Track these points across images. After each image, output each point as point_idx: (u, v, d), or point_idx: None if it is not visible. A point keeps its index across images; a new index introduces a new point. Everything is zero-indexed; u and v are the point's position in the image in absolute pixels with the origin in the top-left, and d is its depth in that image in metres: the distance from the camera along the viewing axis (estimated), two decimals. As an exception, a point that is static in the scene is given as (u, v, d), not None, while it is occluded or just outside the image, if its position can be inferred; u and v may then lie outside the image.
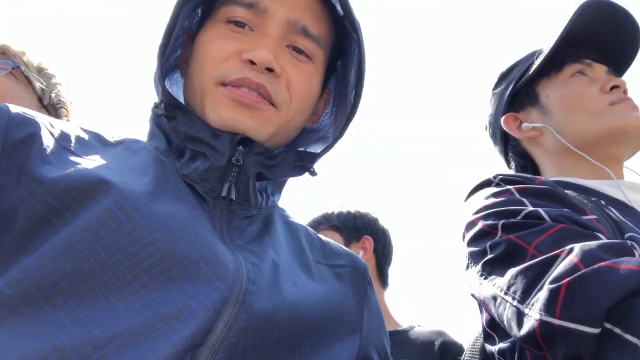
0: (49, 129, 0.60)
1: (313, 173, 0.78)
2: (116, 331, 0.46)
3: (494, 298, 0.67)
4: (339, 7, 0.75)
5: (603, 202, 0.86)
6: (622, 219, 0.81)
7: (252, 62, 0.66)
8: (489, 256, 0.72)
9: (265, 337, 0.54)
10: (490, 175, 0.88)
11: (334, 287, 0.70)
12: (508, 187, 0.81)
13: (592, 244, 0.59)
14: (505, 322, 0.65)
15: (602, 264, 0.53)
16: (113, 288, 0.49)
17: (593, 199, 0.87)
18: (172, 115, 0.68)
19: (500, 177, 0.86)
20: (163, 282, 0.51)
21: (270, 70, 0.67)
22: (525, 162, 1.11)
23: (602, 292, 0.51)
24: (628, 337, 0.49)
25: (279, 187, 0.80)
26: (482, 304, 0.74)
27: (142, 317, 0.48)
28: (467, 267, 0.80)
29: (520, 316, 0.60)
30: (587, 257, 0.57)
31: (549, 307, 0.55)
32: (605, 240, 0.60)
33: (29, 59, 1.15)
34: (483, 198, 0.82)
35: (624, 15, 0.99)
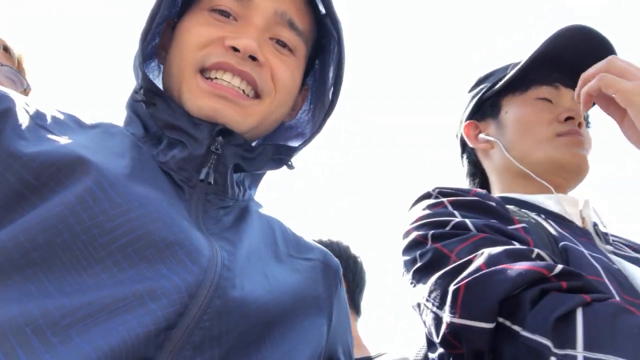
0: (24, 107, 0.59)
1: (291, 167, 0.79)
2: (85, 301, 0.46)
3: (419, 306, 0.70)
4: (321, 6, 0.76)
5: (543, 216, 0.90)
6: (560, 230, 0.84)
7: (235, 50, 0.66)
8: (418, 264, 0.75)
9: (238, 323, 0.54)
10: (430, 188, 0.91)
11: (305, 278, 0.70)
12: (443, 199, 0.85)
13: (499, 249, 0.62)
14: (427, 328, 0.68)
15: (500, 266, 0.57)
16: (86, 264, 0.49)
17: (533, 213, 0.91)
18: (151, 101, 0.66)
19: (438, 190, 0.89)
20: (137, 262, 0.50)
21: (253, 59, 0.67)
22: (476, 170, 1.14)
23: (494, 289, 0.55)
24: (515, 327, 0.52)
25: (255, 181, 0.81)
26: (414, 311, 0.77)
27: (113, 291, 0.47)
28: (403, 275, 0.83)
29: (438, 321, 0.63)
30: (490, 261, 0.60)
31: (452, 307, 0.58)
32: (511, 247, 0.64)
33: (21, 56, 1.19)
34: (420, 210, 0.86)
35: (603, 44, 0.96)
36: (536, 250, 0.63)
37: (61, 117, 0.63)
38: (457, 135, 1.19)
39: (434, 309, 0.65)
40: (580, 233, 0.87)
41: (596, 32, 0.96)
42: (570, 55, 0.97)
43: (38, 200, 0.51)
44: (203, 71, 0.67)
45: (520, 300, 0.53)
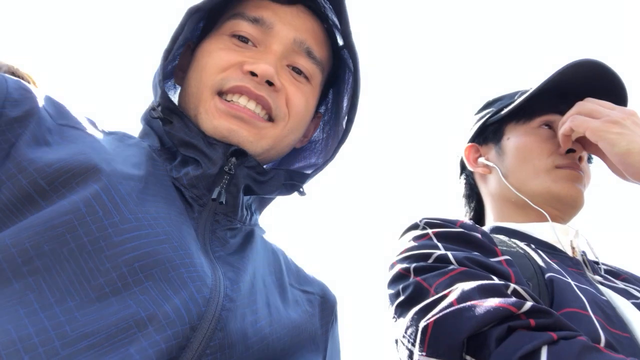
0: (47, 108, 0.59)
1: (302, 193, 0.79)
2: (88, 330, 0.44)
3: (396, 342, 0.70)
4: (339, 38, 0.79)
5: (533, 246, 0.89)
6: (549, 260, 0.83)
7: (253, 74, 0.68)
8: (400, 298, 0.75)
9: (241, 356, 0.54)
10: (418, 219, 0.91)
11: (304, 312, 0.71)
12: (428, 231, 0.85)
13: (473, 284, 0.62)
14: None
15: (470, 302, 0.57)
16: (90, 276, 0.47)
17: (523, 243, 0.90)
18: (168, 119, 0.67)
19: (425, 221, 0.89)
20: (142, 279, 0.49)
21: (270, 84, 0.69)
22: (471, 193, 1.14)
23: (460, 326, 0.54)
24: None
25: (261, 206, 0.81)
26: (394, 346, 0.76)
27: (117, 317, 0.46)
28: (387, 309, 0.83)
29: (410, 357, 0.63)
30: (462, 296, 0.60)
31: (421, 344, 0.58)
32: (485, 281, 0.63)
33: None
34: (406, 241, 0.86)
35: (614, 80, 0.96)
36: (512, 286, 0.62)
37: (82, 120, 0.64)
38: (457, 156, 1.20)
39: (409, 345, 0.65)
40: (570, 263, 0.86)
41: (608, 68, 0.95)
42: (579, 89, 0.96)
43: (47, 205, 0.51)
44: (221, 94, 0.69)
45: (486, 338, 0.53)
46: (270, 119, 0.71)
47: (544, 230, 0.94)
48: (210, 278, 0.55)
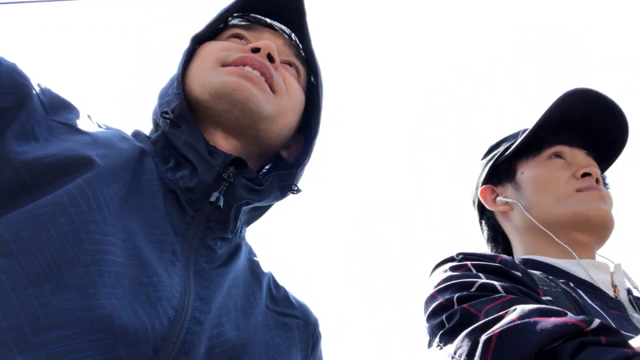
0: (42, 99, 0.57)
1: (296, 191, 0.80)
2: (63, 320, 0.42)
3: None
4: (301, 50, 0.86)
5: (572, 284, 0.87)
6: (591, 303, 0.81)
7: (255, 51, 0.72)
8: (446, 327, 0.72)
9: None
10: (453, 253, 0.90)
11: (277, 337, 0.68)
12: (466, 262, 0.83)
13: (532, 306, 0.60)
14: None
15: (534, 318, 0.55)
16: (69, 263, 0.45)
17: (561, 280, 0.88)
18: (177, 123, 0.68)
19: (462, 255, 0.88)
20: (115, 284, 0.47)
21: (271, 61, 0.73)
22: (497, 234, 1.13)
23: (529, 339, 0.52)
24: None
25: (250, 220, 0.81)
26: None
27: (92, 314, 0.43)
28: (429, 343, 0.79)
29: None
30: (523, 314, 0.58)
31: (482, 357, 0.55)
32: (543, 305, 0.62)
33: None
34: (442, 272, 0.84)
35: (609, 104, 1.00)
36: (569, 314, 0.60)
37: (78, 115, 0.62)
38: (473, 202, 1.20)
39: None
40: (612, 304, 0.84)
41: (600, 93, 1.00)
42: (578, 117, 1.00)
43: (29, 200, 0.48)
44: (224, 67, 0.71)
45: (558, 354, 0.50)
46: (272, 91, 0.74)
47: (578, 268, 0.92)
48: (177, 299, 0.53)
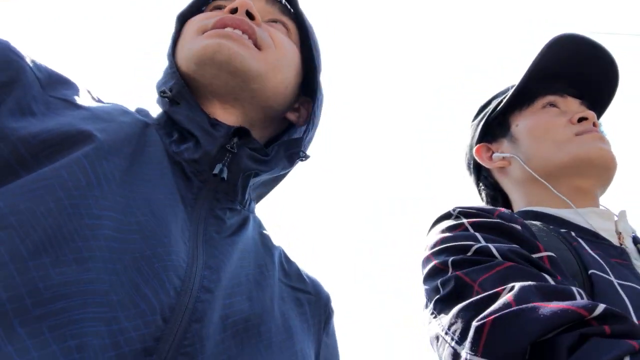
0: (37, 75, 0.56)
1: (304, 157, 0.77)
2: (63, 292, 0.41)
3: (437, 338, 0.64)
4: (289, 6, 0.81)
5: (573, 234, 0.83)
6: (591, 252, 0.78)
7: (234, 12, 0.69)
8: (440, 294, 0.70)
9: (223, 347, 0.52)
10: (450, 208, 0.85)
11: (290, 310, 0.68)
12: (463, 220, 0.79)
13: (532, 284, 0.56)
14: None
15: (533, 303, 0.51)
16: (69, 237, 0.44)
17: (563, 230, 0.84)
18: (176, 100, 0.67)
19: (459, 210, 0.83)
20: (117, 258, 0.46)
21: (250, 18, 0.70)
22: (495, 193, 1.09)
23: (525, 329, 0.48)
24: None
25: (260, 196, 0.79)
26: (431, 345, 0.71)
27: (93, 287, 0.43)
28: (425, 305, 0.77)
29: (455, 357, 0.57)
30: (521, 297, 0.54)
31: (474, 344, 0.52)
32: (547, 283, 0.58)
33: None
34: (438, 232, 0.80)
35: (598, 51, 0.98)
36: (574, 289, 0.56)
37: (77, 90, 0.61)
38: (468, 165, 1.16)
39: (453, 343, 0.59)
40: (614, 253, 0.81)
41: (586, 37, 0.97)
42: (567, 64, 0.98)
43: (26, 173, 0.47)
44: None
45: (555, 346, 0.47)
46: (257, 47, 0.71)
47: (580, 218, 0.88)
48: (183, 269, 0.52)
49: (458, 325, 0.60)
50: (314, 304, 0.72)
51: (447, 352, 0.60)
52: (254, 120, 0.74)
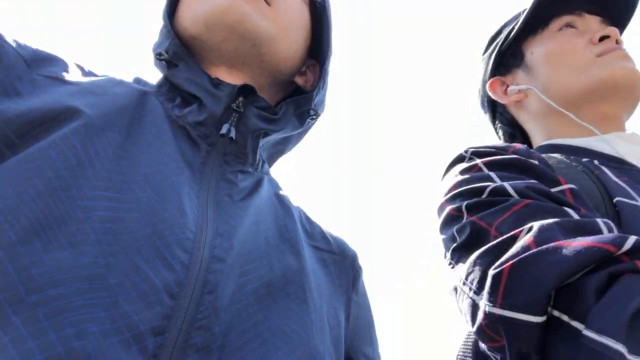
0: (21, 53, 0.54)
1: (315, 116, 0.74)
2: (58, 277, 0.39)
3: (455, 290, 0.60)
4: None
5: (596, 162, 0.77)
6: (616, 179, 0.71)
7: None
8: (457, 242, 0.65)
9: (243, 317, 0.49)
10: (462, 150, 0.79)
11: (318, 270, 0.65)
12: (477, 161, 0.73)
13: (553, 222, 0.50)
14: (464, 317, 0.57)
15: (554, 243, 0.45)
16: (61, 220, 0.42)
17: (584, 159, 0.78)
18: (174, 62, 0.65)
19: (472, 150, 0.77)
20: (111, 241, 0.44)
21: None
22: (513, 129, 1.02)
23: (545, 273, 0.43)
24: (574, 324, 0.40)
25: (272, 157, 0.77)
26: (451, 298, 0.66)
27: (89, 272, 0.41)
28: (444, 256, 0.73)
29: (474, 309, 0.53)
30: (540, 237, 0.49)
31: (492, 294, 0.47)
32: (569, 218, 0.52)
33: None
34: (452, 177, 0.75)
35: None
36: (600, 221, 0.50)
37: (66, 66, 0.59)
38: (482, 102, 1.07)
39: (471, 294, 0.54)
40: (642, 178, 0.74)
41: None
42: None
43: (13, 156, 0.46)
44: None
45: (581, 289, 0.42)
46: (267, 3, 0.67)
47: (604, 144, 0.81)
48: (191, 241, 0.49)
49: (475, 274, 0.55)
50: (339, 264, 0.69)
51: (466, 303, 0.56)
52: (262, 84, 0.71)
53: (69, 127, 0.48)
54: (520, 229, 0.53)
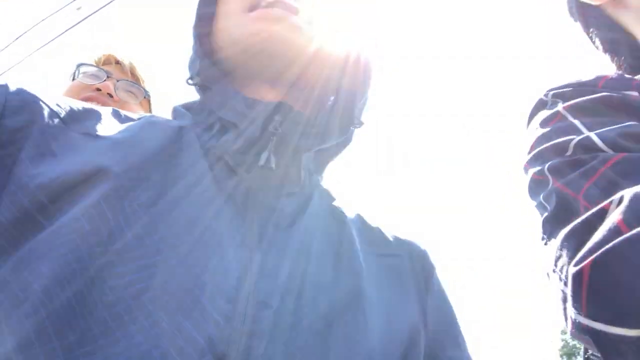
0: (57, 111, 0.53)
1: (358, 124, 0.68)
2: (90, 348, 0.40)
3: (548, 276, 0.52)
4: None
5: None
6: None
7: None
8: (546, 214, 0.56)
9: (307, 353, 0.48)
10: (541, 94, 0.68)
11: (385, 284, 0.60)
12: (558, 107, 0.62)
13: None
14: (559, 309, 0.49)
15: None
16: (92, 307, 0.42)
17: None
18: (206, 85, 0.63)
19: (553, 92, 0.66)
20: (151, 311, 0.43)
21: None
22: (614, 36, 0.83)
23: (638, 273, 0.34)
24: None
25: (322, 165, 0.71)
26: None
27: (124, 357, 0.40)
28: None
29: (565, 306, 0.45)
30: (635, 214, 0.39)
31: (576, 300, 0.40)
32: None
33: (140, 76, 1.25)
34: (533, 130, 0.65)
35: None
36: None
37: (102, 118, 0.58)
38: (571, 11, 0.88)
39: (562, 285, 0.46)
40: None
41: None
42: None
43: (48, 224, 0.45)
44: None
45: None
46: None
47: None
48: (234, 288, 0.47)
49: (564, 260, 0.47)
50: (408, 267, 0.64)
51: (559, 296, 0.48)
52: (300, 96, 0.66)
53: (99, 191, 0.46)
54: (610, 199, 0.44)
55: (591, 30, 0.87)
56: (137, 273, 0.44)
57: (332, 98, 0.70)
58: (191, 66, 0.66)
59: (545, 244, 0.56)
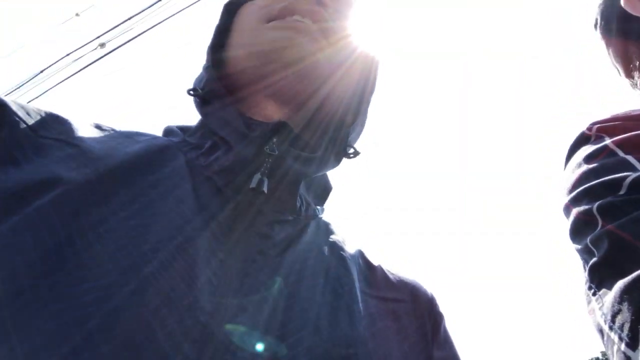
0: (24, 118, 0.49)
1: (354, 154, 0.64)
2: None
3: (601, 332, 0.45)
4: None
5: None
6: None
7: None
8: (594, 259, 0.50)
9: None
10: (584, 127, 0.62)
11: (385, 329, 0.54)
12: (606, 142, 0.56)
13: None
14: None
15: None
16: (36, 312, 0.36)
17: None
18: (207, 99, 0.59)
19: (598, 126, 0.60)
20: (104, 340, 0.36)
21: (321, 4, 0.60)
22: None
23: None
24: None
25: (322, 195, 0.66)
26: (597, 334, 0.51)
27: None
28: (583, 268, 0.57)
29: None
30: None
31: None
32: None
33: None
34: (575, 166, 0.59)
35: None
36: None
37: (78, 127, 0.53)
38: (605, 27, 0.82)
39: (623, 346, 0.40)
40: None
41: None
42: None
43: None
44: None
45: None
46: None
47: None
48: (201, 326, 0.40)
49: (625, 316, 0.41)
50: (412, 313, 0.58)
51: (617, 356, 0.41)
52: (301, 120, 0.63)
53: (51, 203, 0.42)
54: None
55: (631, 49, 0.81)
56: (94, 293, 0.38)
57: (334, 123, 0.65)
58: (197, 80, 0.63)
59: (594, 293, 0.50)
